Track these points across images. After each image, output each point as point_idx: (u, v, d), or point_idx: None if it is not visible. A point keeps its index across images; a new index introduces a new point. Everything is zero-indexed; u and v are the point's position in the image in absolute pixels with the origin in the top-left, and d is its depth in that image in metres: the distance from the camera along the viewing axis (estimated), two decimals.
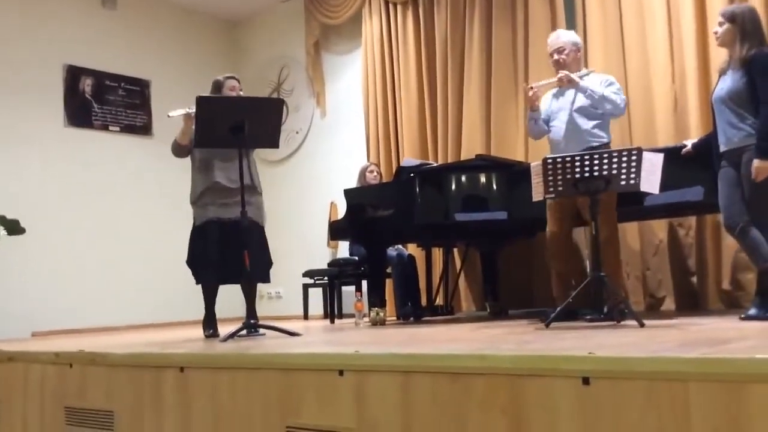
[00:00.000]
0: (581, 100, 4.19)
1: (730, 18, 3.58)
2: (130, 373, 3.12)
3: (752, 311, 3.40)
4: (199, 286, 4.33)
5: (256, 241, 4.19)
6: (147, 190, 7.51)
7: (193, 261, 4.28)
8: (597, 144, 4.09)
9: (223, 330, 4.11)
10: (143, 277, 7.29)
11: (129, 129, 7.53)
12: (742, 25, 3.52)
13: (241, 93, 4.42)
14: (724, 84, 3.58)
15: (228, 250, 4.09)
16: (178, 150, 4.33)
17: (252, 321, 3.99)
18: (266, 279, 4.30)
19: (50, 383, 3.52)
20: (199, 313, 4.33)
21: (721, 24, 3.62)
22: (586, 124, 4.17)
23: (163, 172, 7.59)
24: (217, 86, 4.37)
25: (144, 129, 7.64)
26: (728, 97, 3.52)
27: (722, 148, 3.58)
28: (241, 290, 4.16)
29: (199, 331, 4.45)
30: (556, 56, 4.29)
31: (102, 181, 7.19)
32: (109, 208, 7.19)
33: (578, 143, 4.09)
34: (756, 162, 3.37)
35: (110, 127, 7.38)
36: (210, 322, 4.33)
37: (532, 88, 4.23)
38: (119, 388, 3.15)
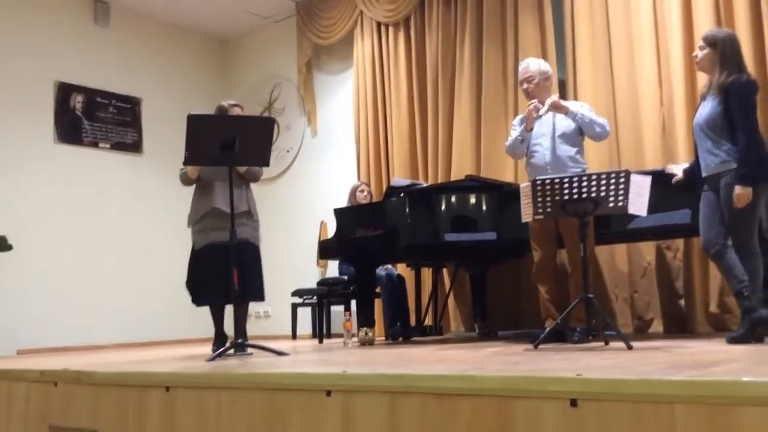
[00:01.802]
0: (562, 126, 4.23)
1: (711, 43, 3.62)
2: (115, 392, 3.09)
3: (740, 333, 3.41)
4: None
5: (253, 261, 4.32)
6: (136, 208, 7.48)
7: (195, 285, 4.32)
8: (579, 170, 4.12)
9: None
10: (131, 295, 7.24)
11: (119, 146, 7.51)
12: (722, 51, 3.56)
13: None
14: (704, 110, 3.62)
15: (226, 272, 4.12)
16: (187, 181, 4.40)
17: (239, 340, 3.99)
18: (263, 297, 4.38)
19: (35, 402, 3.48)
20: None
21: (701, 48, 3.67)
22: (569, 150, 4.21)
23: (152, 190, 7.59)
24: (222, 113, 4.42)
25: (134, 146, 7.63)
26: (705, 123, 3.57)
27: (703, 174, 3.62)
28: (233, 309, 4.17)
29: (185, 350, 4.43)
30: (525, 85, 4.35)
31: (91, 198, 7.15)
32: (98, 225, 7.15)
33: (563, 169, 4.11)
34: (737, 189, 3.40)
35: (100, 144, 7.36)
36: (220, 342, 4.33)
37: (538, 109, 4.22)
38: (104, 407, 3.12)
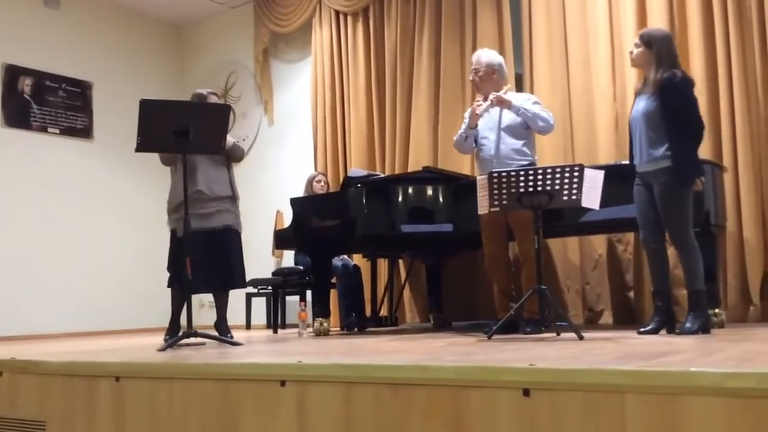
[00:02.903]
0: (508, 119, 4.25)
1: (646, 42, 3.68)
2: (64, 383, 3.01)
3: (687, 325, 3.50)
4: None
5: (237, 249, 4.34)
6: (86, 194, 7.31)
7: (177, 272, 4.23)
8: (526, 163, 4.16)
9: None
10: (80, 283, 7.08)
11: (69, 131, 7.32)
12: (658, 50, 3.63)
13: None
14: (639, 106, 3.70)
15: (210, 259, 4.09)
16: (166, 159, 4.31)
17: (191, 330, 3.93)
18: (245, 284, 4.43)
19: None
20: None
21: (637, 46, 3.73)
22: (515, 143, 4.24)
23: (103, 176, 7.43)
24: (201, 100, 4.36)
25: (84, 132, 7.44)
26: (642, 119, 3.65)
27: (637, 169, 3.70)
28: (189, 299, 4.11)
29: (135, 340, 4.35)
30: (471, 76, 4.41)
31: (39, 184, 6.96)
32: (46, 211, 6.97)
33: (507, 163, 4.14)
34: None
35: (49, 129, 7.17)
36: (174, 330, 4.25)
37: (480, 105, 4.24)
38: (52, 398, 3.04)
